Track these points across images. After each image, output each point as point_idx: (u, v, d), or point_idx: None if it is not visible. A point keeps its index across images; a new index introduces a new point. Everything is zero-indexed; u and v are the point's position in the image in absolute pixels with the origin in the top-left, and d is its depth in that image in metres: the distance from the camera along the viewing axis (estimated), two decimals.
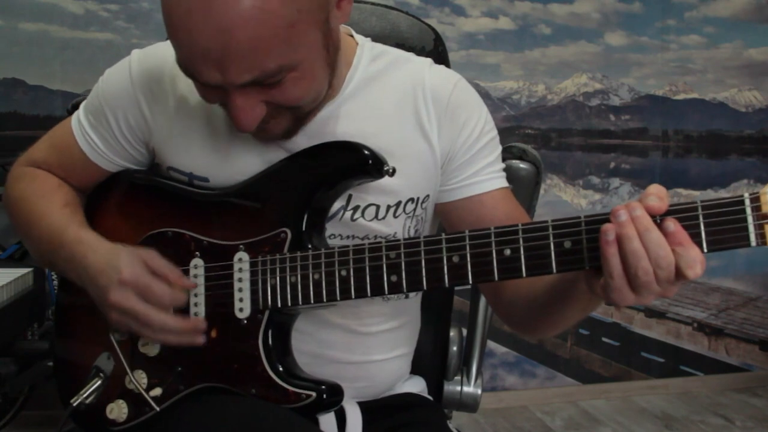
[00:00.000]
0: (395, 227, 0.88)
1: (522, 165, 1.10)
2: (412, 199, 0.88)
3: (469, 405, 1.17)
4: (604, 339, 2.71)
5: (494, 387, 2.57)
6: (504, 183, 0.91)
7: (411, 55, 0.93)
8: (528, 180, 1.10)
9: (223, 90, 0.72)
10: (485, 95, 2.59)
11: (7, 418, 2.00)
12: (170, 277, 0.81)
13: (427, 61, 0.92)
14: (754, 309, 2.82)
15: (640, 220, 0.63)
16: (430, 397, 1.03)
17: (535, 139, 2.67)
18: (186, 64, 0.72)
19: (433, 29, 1.17)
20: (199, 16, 0.66)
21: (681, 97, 2.77)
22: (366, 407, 0.91)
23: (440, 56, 1.15)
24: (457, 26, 2.49)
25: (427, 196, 0.90)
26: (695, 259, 0.62)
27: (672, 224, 0.63)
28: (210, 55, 0.68)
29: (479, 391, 1.16)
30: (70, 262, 0.85)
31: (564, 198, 2.70)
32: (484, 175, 0.89)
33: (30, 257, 2.03)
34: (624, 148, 2.76)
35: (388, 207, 0.87)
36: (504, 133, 2.52)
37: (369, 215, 0.86)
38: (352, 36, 0.92)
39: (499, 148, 0.93)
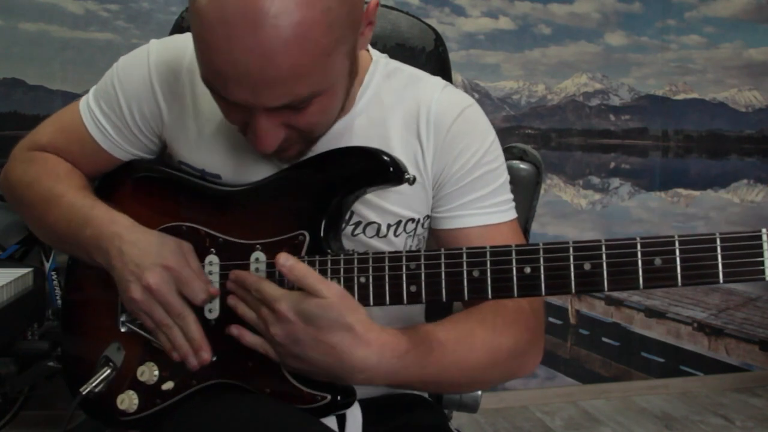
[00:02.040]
0: (397, 245, 0.88)
1: (522, 165, 1.10)
2: (412, 219, 0.88)
3: (469, 405, 1.17)
4: (604, 339, 2.71)
5: (494, 387, 2.57)
6: (500, 218, 0.87)
7: (425, 75, 0.91)
8: (528, 180, 1.10)
9: (248, 110, 0.72)
10: (485, 95, 2.59)
11: (7, 418, 2.00)
12: (201, 279, 0.81)
13: (440, 84, 0.90)
14: (754, 309, 2.82)
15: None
16: (430, 399, 1.03)
17: (535, 139, 2.67)
18: (215, 81, 0.71)
19: (434, 29, 1.17)
20: (240, 41, 0.65)
21: (681, 97, 2.77)
22: (367, 407, 0.91)
23: (440, 56, 1.15)
24: (457, 26, 2.49)
25: (427, 216, 0.90)
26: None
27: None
28: (247, 79, 0.67)
29: (479, 392, 1.16)
30: (96, 238, 0.83)
31: (564, 198, 2.70)
32: (471, 209, 0.87)
33: (30, 257, 2.04)
34: (624, 148, 2.76)
35: (389, 226, 0.87)
36: (504, 133, 2.50)
37: (370, 232, 0.87)
38: (367, 50, 0.91)
39: (501, 180, 0.89)
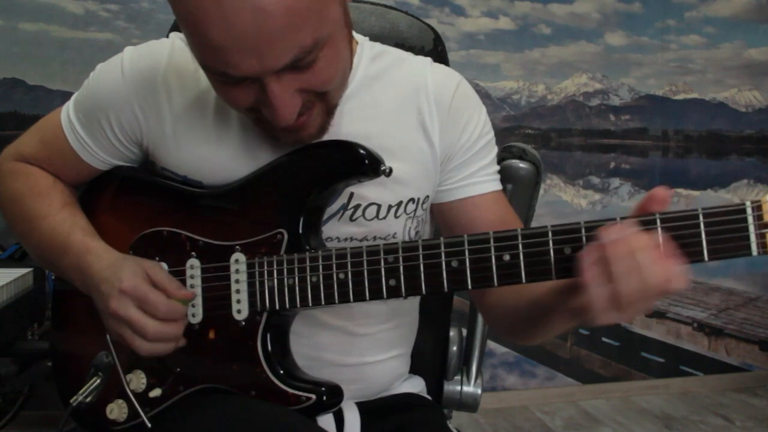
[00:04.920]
0: (395, 227, 0.87)
1: (522, 165, 1.10)
2: (413, 200, 0.88)
3: (469, 405, 1.17)
4: (604, 339, 2.71)
5: (494, 387, 2.57)
6: (498, 186, 0.92)
7: (410, 55, 0.93)
8: (528, 180, 1.10)
9: (258, 83, 0.71)
10: (485, 95, 2.59)
11: (7, 418, 2.00)
12: (169, 288, 0.80)
13: (427, 61, 0.92)
14: (754, 309, 2.82)
15: (630, 241, 0.62)
16: (429, 397, 1.03)
17: (535, 139, 2.67)
18: (216, 59, 0.69)
19: (433, 29, 1.17)
20: (230, 3, 0.64)
21: (681, 97, 2.77)
22: (365, 408, 0.91)
23: (439, 56, 1.15)
24: (457, 26, 2.49)
25: (427, 197, 0.90)
26: (681, 272, 0.62)
27: (660, 237, 0.63)
28: (246, 41, 0.66)
29: (479, 391, 1.16)
30: (75, 269, 0.85)
31: (564, 198, 2.70)
32: (479, 177, 0.90)
33: (30, 257, 2.03)
34: (624, 148, 2.76)
35: (390, 207, 0.86)
36: (504, 133, 2.49)
37: (369, 214, 0.86)
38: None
39: (495, 150, 0.94)
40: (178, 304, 0.81)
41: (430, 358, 1.13)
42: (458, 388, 1.16)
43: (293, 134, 0.79)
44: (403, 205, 0.87)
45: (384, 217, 0.86)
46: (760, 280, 2.83)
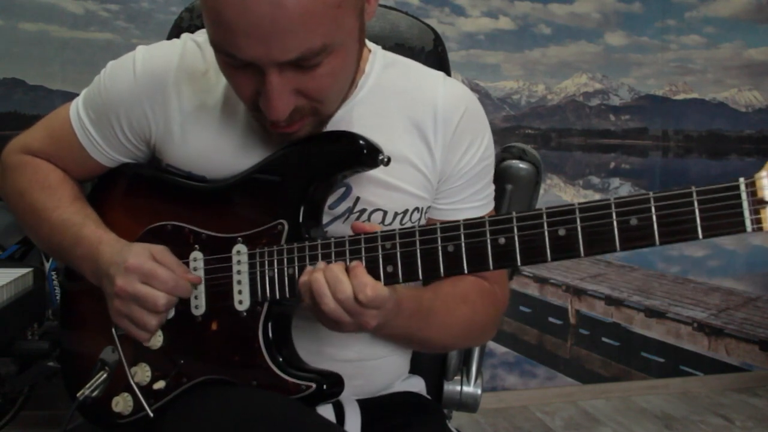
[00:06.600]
0: None
1: (522, 165, 1.10)
2: (417, 209, 0.89)
3: (469, 405, 1.17)
4: (604, 339, 2.71)
5: (494, 387, 2.57)
6: (487, 209, 0.94)
7: (423, 68, 0.93)
8: (528, 180, 1.10)
9: (260, 72, 0.71)
10: (485, 95, 2.59)
11: (7, 418, 2.00)
12: (177, 270, 0.82)
13: (440, 76, 0.92)
14: (754, 309, 2.82)
15: (327, 268, 0.73)
16: (429, 397, 1.03)
17: (535, 139, 2.67)
18: (225, 39, 0.70)
19: (433, 29, 1.17)
20: None
21: (681, 97, 2.77)
22: (365, 406, 0.91)
23: (439, 56, 1.15)
24: (457, 26, 2.49)
25: (429, 207, 0.91)
26: (365, 284, 0.71)
27: (354, 263, 0.74)
28: (258, 28, 0.66)
29: (479, 391, 1.16)
30: (87, 259, 0.86)
31: (564, 198, 2.70)
32: (469, 203, 0.92)
33: (30, 257, 2.04)
34: (624, 148, 2.76)
35: (396, 214, 0.87)
36: (504, 133, 2.50)
37: (375, 220, 0.87)
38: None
39: (492, 173, 0.95)
40: (185, 279, 0.82)
41: (430, 357, 1.13)
42: (458, 388, 1.16)
43: (282, 136, 0.80)
44: (409, 214, 0.88)
45: (390, 224, 0.87)
46: (760, 280, 2.83)
